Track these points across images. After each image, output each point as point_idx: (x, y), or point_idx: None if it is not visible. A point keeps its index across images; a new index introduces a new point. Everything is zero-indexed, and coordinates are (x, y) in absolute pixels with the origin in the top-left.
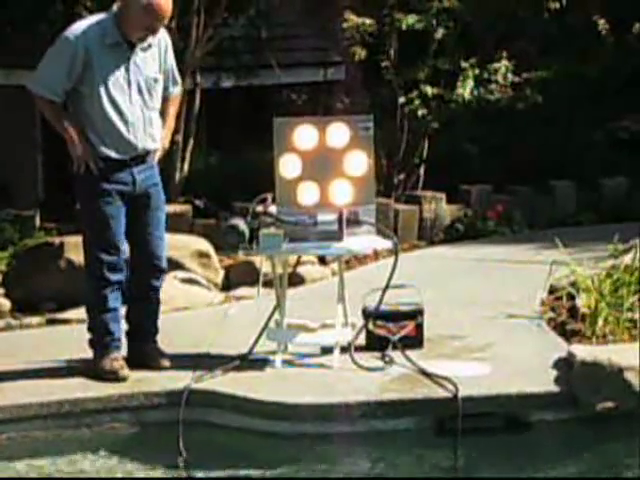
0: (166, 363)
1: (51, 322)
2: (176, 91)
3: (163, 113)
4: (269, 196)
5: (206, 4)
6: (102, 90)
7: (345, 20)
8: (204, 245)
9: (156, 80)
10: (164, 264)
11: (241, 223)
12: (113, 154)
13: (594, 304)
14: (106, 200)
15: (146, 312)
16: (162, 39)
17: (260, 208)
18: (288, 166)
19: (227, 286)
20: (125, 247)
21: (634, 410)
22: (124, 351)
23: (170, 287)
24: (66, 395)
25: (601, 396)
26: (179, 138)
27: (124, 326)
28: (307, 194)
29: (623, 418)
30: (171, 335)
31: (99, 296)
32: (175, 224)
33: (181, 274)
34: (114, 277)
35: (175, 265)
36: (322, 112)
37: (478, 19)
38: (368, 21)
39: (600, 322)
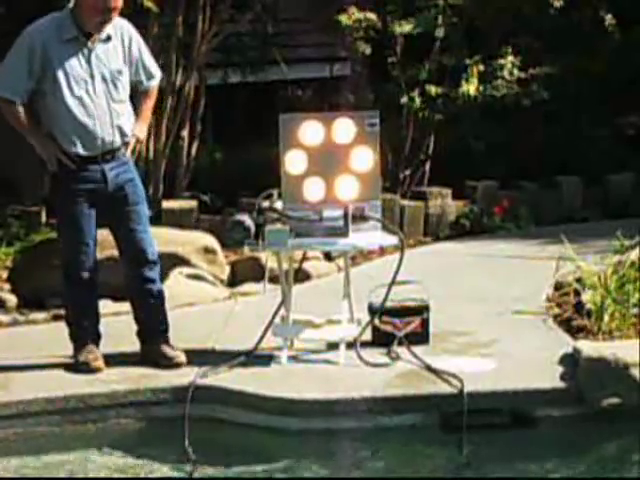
0: (177, 360)
1: (57, 318)
2: (152, 84)
3: (138, 106)
4: (275, 192)
5: (212, 0)
6: (64, 85)
7: (345, 12)
8: (210, 241)
9: (120, 72)
10: (151, 256)
11: (247, 219)
12: (81, 151)
13: (600, 300)
14: (76, 200)
15: (149, 308)
16: (125, 31)
17: (266, 204)
18: (294, 162)
19: (233, 282)
20: (94, 244)
21: (639, 406)
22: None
23: (176, 283)
24: (72, 391)
25: (607, 392)
26: (185, 134)
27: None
28: (313, 190)
29: (629, 414)
30: (176, 331)
31: (72, 292)
32: (181, 220)
33: (187, 270)
34: (84, 274)
35: (181, 261)
36: (328, 108)
37: (483, 15)
38: (371, 16)
39: (606, 318)
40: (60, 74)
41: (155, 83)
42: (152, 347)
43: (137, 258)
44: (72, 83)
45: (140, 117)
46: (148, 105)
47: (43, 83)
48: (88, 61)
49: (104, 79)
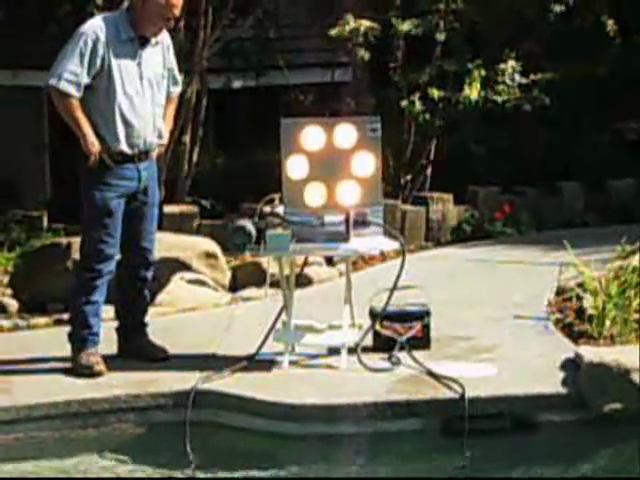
0: (161, 354)
1: (58, 322)
2: (176, 91)
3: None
4: (276, 197)
5: (214, 5)
6: (118, 84)
7: (342, 19)
8: (211, 246)
9: (163, 76)
10: (153, 258)
11: (248, 224)
12: (125, 149)
13: (601, 305)
14: (111, 195)
15: (137, 305)
16: (165, 37)
17: (267, 209)
18: (295, 167)
19: (234, 287)
20: (118, 242)
21: None
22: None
23: (177, 288)
24: (73, 395)
25: (608, 397)
26: (187, 139)
27: (113, 323)
28: (314, 195)
29: (630, 419)
30: (178, 336)
31: (87, 287)
32: (182, 225)
33: (188, 275)
34: (106, 269)
35: (182, 266)
36: (329, 113)
37: (485, 20)
38: (367, 23)
39: (607, 323)
40: (116, 72)
41: (179, 89)
42: (137, 340)
43: (140, 257)
44: (125, 82)
45: (166, 123)
46: (172, 110)
47: (98, 79)
48: (139, 63)
49: (150, 82)
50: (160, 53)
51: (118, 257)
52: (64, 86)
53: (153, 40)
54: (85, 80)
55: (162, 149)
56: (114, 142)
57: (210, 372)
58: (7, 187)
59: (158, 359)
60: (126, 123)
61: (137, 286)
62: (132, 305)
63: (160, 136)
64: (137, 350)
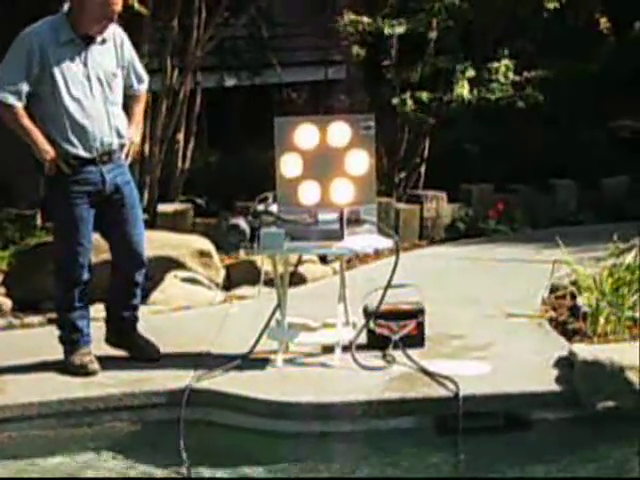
0: (155, 355)
1: (52, 321)
2: (142, 88)
3: (128, 110)
4: (270, 195)
5: (207, 3)
6: (62, 87)
7: (343, 16)
8: (205, 244)
9: (115, 74)
10: (144, 259)
11: (242, 222)
12: (81, 152)
13: (595, 303)
14: (75, 202)
15: (130, 306)
16: (116, 34)
17: (261, 207)
18: (289, 165)
19: (228, 285)
20: (91, 247)
21: (635, 409)
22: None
23: (171, 286)
24: (67, 394)
25: (602, 395)
26: (180, 137)
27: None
28: (308, 193)
29: (624, 417)
30: (172, 334)
31: (67, 295)
32: (176, 223)
33: (182, 273)
34: (81, 277)
35: (176, 264)
36: (323, 111)
37: (478, 18)
38: (366, 19)
39: (601, 321)
40: (58, 76)
41: (145, 87)
42: (129, 335)
43: (131, 261)
44: (70, 85)
45: (133, 121)
46: (139, 109)
47: (41, 85)
48: (85, 63)
49: (100, 81)
50: (112, 51)
51: (109, 258)
52: (3, 97)
53: (99, 38)
54: (25, 88)
55: (133, 149)
56: (68, 146)
57: (204, 370)
58: (0, 186)
59: (152, 359)
60: (78, 126)
61: (130, 289)
62: (124, 307)
63: (120, 135)
64: (129, 344)
